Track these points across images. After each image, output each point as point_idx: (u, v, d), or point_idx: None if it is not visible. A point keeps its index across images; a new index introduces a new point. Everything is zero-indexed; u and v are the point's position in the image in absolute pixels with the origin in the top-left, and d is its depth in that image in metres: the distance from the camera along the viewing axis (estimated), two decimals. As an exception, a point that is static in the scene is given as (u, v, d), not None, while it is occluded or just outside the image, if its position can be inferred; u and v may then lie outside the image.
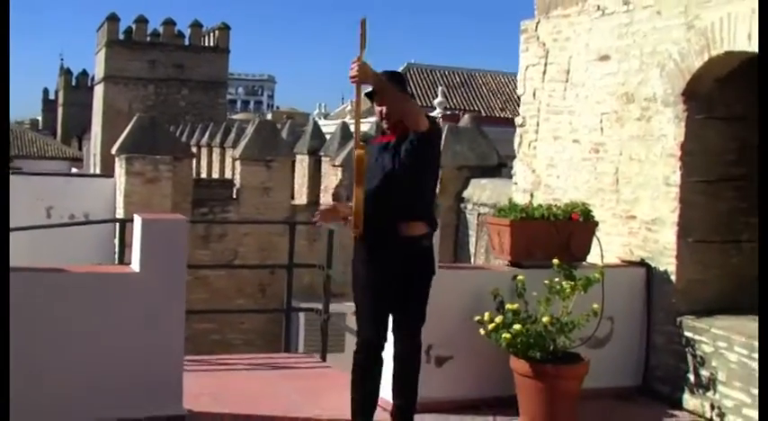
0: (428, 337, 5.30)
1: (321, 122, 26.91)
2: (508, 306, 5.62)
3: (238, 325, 15.02)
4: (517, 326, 5.46)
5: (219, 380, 6.37)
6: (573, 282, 5.72)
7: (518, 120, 8.18)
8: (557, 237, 6.12)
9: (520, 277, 5.83)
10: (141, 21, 42.47)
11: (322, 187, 17.16)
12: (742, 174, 6.32)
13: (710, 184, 6.26)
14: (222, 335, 14.69)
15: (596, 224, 6.37)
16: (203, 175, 25.05)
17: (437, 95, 31.75)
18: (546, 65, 7.75)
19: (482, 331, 5.56)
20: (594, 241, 6.37)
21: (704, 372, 5.91)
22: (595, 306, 5.68)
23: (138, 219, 5.35)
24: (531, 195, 7.74)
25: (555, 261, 5.84)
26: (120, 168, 15.09)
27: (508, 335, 5.44)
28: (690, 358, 6.04)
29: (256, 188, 16.02)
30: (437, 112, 26.68)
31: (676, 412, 6.02)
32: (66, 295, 5.07)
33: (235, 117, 68.51)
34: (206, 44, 43.85)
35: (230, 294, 15.09)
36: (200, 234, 15.15)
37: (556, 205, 6.35)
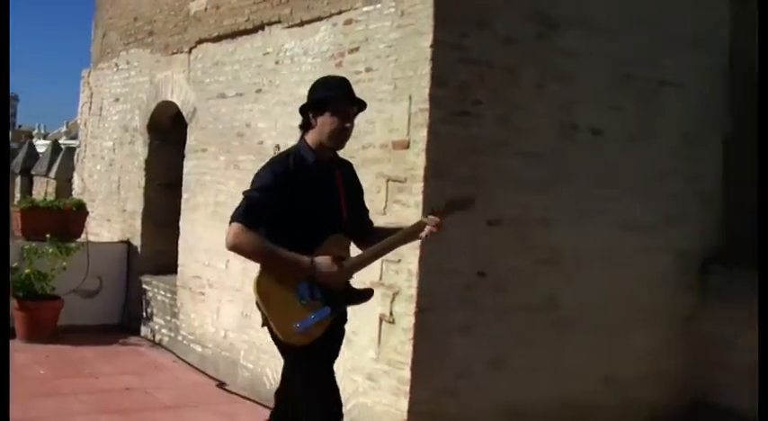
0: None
1: (39, 142, 28.16)
2: (15, 265, 8.41)
3: None
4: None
5: None
6: (58, 250, 8.62)
7: (75, 143, 11.07)
8: (58, 221, 9.02)
9: (26, 247, 8.66)
10: None
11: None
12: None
13: (166, 187, 9.37)
14: None
15: (87, 213, 9.33)
16: None
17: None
18: (91, 103, 10.72)
19: None
20: (93, 224, 9.35)
21: (149, 310, 8.98)
22: (64, 263, 8.57)
23: None
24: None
25: (47, 236, 8.71)
26: None
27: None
28: (144, 302, 9.08)
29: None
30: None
31: (133, 337, 9.00)
32: None
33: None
34: None
35: None
36: None
37: (60, 200, 9.28)
